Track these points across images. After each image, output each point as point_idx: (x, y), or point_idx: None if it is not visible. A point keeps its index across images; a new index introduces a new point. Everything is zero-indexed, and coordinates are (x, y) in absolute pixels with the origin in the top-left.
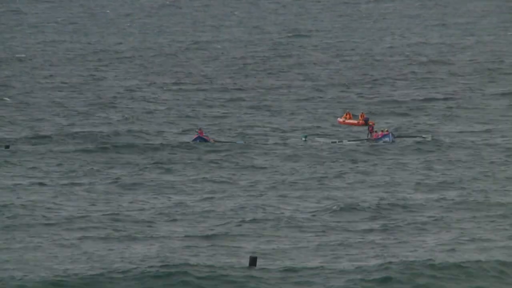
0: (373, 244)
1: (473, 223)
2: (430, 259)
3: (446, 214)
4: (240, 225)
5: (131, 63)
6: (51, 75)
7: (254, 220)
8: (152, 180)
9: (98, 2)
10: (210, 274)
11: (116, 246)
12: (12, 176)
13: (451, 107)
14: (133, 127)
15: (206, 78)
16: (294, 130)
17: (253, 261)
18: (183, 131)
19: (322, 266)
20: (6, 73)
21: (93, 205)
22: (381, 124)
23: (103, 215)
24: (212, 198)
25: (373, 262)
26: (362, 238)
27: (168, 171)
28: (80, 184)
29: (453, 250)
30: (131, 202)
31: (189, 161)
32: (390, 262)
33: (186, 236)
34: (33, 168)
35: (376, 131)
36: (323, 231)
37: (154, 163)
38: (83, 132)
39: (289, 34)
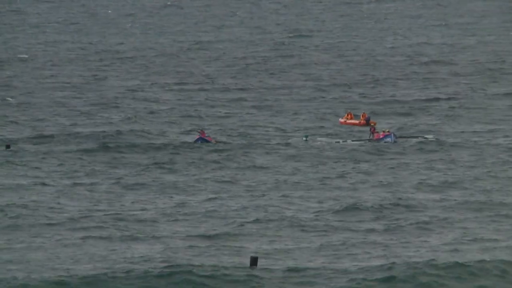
0: (375, 244)
1: (476, 222)
2: (433, 259)
3: (449, 214)
4: (242, 225)
5: (133, 63)
6: (53, 75)
7: (256, 220)
8: (154, 180)
9: (100, 2)
10: (213, 273)
11: (118, 246)
12: (15, 176)
13: (453, 107)
14: (135, 127)
15: (208, 78)
16: (296, 130)
17: (254, 261)
18: (185, 131)
19: (324, 266)
20: (8, 73)
21: (96, 205)
22: (383, 124)
23: (106, 215)
24: (214, 198)
25: (376, 262)
26: (365, 238)
27: (171, 171)
28: (82, 184)
29: (456, 250)
30: (133, 202)
31: (191, 161)
32: (393, 262)
33: (188, 236)
34: (36, 168)
35: (377, 132)
36: (326, 231)
37: (156, 163)
38: (85, 132)
39: (291, 34)
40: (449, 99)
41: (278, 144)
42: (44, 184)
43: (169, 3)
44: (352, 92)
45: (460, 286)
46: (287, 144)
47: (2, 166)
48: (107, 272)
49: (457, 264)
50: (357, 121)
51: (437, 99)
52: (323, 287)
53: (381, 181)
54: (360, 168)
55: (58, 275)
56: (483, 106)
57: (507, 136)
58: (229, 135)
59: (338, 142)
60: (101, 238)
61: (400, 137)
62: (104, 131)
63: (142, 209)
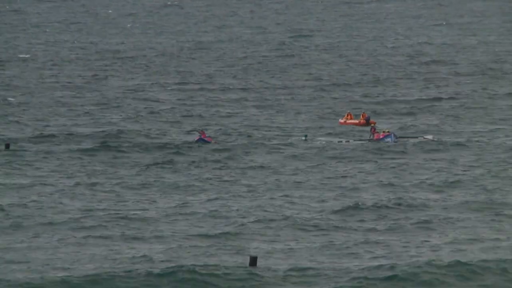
0: (376, 243)
1: (477, 222)
2: (434, 258)
3: (450, 213)
4: (243, 225)
5: (133, 63)
6: (53, 75)
7: (257, 220)
8: (155, 180)
9: (100, 1)
10: (214, 273)
11: (119, 246)
12: (16, 176)
13: (453, 107)
14: (136, 127)
15: (209, 78)
16: (297, 130)
17: (253, 261)
18: (186, 130)
19: (325, 266)
20: (10, 73)
21: (97, 204)
22: (384, 124)
23: (107, 214)
24: (215, 197)
25: (377, 261)
26: (366, 238)
27: (171, 170)
28: (83, 184)
29: (457, 249)
30: (134, 202)
31: (192, 161)
32: (395, 262)
33: (189, 235)
34: (36, 168)
35: (378, 132)
36: (326, 231)
37: (157, 163)
38: (86, 131)
39: (292, 34)
40: (449, 99)
41: (278, 144)
42: (45, 184)
43: (169, 3)
44: (353, 91)
45: (462, 285)
46: (288, 144)
47: (2, 166)
48: (108, 271)
49: (458, 263)
50: (357, 121)
51: (437, 99)
52: (324, 287)
53: (381, 181)
54: (360, 168)
55: (59, 275)
56: (484, 106)
57: (508, 136)
58: (229, 135)
59: (341, 141)
60: (102, 237)
61: (401, 137)
62: (105, 131)
63: (143, 209)
